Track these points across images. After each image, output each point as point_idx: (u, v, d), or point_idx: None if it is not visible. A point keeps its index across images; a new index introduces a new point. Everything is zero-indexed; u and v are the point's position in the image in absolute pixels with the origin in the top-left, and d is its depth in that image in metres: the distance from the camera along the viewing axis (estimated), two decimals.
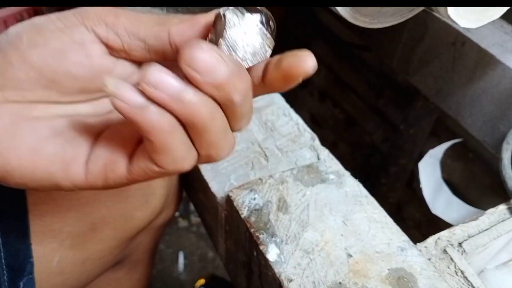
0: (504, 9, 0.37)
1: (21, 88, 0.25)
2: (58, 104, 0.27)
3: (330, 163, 0.42)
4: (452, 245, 0.37)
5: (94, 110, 0.28)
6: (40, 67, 0.25)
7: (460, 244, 0.37)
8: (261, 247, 0.35)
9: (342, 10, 0.38)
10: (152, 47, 0.26)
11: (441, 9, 0.34)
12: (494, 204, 0.40)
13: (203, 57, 0.21)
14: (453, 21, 0.35)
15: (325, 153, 0.43)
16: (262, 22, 0.23)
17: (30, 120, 0.26)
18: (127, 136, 0.26)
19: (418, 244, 0.37)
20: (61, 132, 0.26)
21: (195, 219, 1.19)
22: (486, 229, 0.38)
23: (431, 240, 0.37)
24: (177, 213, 1.21)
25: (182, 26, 0.25)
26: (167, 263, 1.11)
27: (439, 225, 0.67)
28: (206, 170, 0.43)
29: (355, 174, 0.41)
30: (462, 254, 0.36)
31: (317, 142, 0.44)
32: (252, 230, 0.36)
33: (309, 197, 0.39)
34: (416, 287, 0.33)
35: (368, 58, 0.94)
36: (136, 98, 0.21)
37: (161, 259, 1.11)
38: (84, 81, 0.26)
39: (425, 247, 0.37)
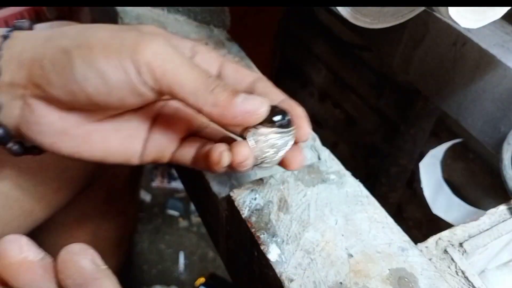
0: (505, 10, 0.37)
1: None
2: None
3: (331, 163, 0.42)
4: (453, 245, 0.37)
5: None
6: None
7: (461, 244, 0.37)
8: (262, 247, 0.35)
9: (342, 10, 0.38)
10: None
11: (442, 9, 0.34)
12: (494, 204, 0.40)
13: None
14: (454, 21, 0.35)
15: (325, 153, 0.43)
16: (280, 125, 0.30)
17: (94, 122, 0.32)
18: (177, 127, 0.34)
19: (419, 244, 0.37)
20: (119, 128, 0.33)
21: (195, 219, 1.19)
22: (487, 229, 0.38)
23: (432, 240, 0.37)
24: (177, 213, 1.21)
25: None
26: (167, 263, 1.11)
27: (439, 225, 0.67)
28: (207, 171, 0.43)
29: (355, 174, 0.41)
30: (463, 254, 0.36)
31: (318, 142, 0.44)
32: (253, 230, 0.36)
33: (310, 197, 0.39)
34: (417, 287, 0.33)
35: (369, 58, 0.94)
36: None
37: (161, 259, 1.11)
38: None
39: (426, 247, 0.37)
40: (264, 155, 0.31)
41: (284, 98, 0.33)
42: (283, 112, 0.29)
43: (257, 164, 0.31)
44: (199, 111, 0.28)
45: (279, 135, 0.30)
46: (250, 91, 0.32)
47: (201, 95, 0.28)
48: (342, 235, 0.36)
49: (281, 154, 0.31)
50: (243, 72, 0.33)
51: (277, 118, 0.29)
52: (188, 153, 0.34)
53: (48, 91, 0.29)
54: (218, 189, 0.42)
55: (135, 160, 0.34)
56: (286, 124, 0.30)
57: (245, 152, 0.30)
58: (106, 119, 0.32)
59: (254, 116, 0.28)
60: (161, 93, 0.29)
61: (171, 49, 0.28)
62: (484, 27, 0.38)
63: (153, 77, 0.28)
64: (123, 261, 0.78)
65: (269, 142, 0.30)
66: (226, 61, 0.34)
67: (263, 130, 0.29)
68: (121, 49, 0.28)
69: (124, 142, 0.33)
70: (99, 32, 0.29)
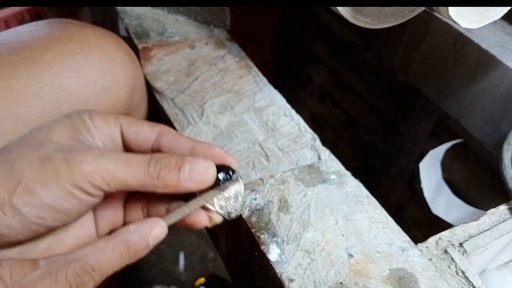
0: (505, 10, 0.37)
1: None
2: None
3: (331, 163, 0.42)
4: (453, 245, 0.37)
5: None
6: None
7: (461, 244, 0.37)
8: (262, 247, 0.35)
9: (342, 10, 0.38)
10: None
11: (442, 9, 0.34)
12: (495, 205, 0.40)
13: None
14: (454, 22, 0.35)
15: (326, 153, 0.43)
16: (225, 179, 0.33)
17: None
18: (115, 196, 0.35)
19: (419, 244, 0.37)
20: (70, 228, 0.33)
21: None
22: (487, 230, 0.38)
23: (432, 240, 0.37)
24: None
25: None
26: (167, 263, 1.11)
27: (439, 225, 0.67)
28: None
29: (355, 174, 0.41)
30: (463, 254, 0.36)
31: (318, 142, 0.44)
32: (253, 230, 0.36)
33: (310, 197, 0.39)
34: (417, 287, 0.33)
35: (369, 58, 0.94)
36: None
37: (161, 259, 1.11)
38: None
39: (426, 247, 0.37)
40: (228, 210, 0.33)
41: (198, 145, 0.34)
42: (224, 167, 0.32)
43: (228, 218, 0.34)
44: (155, 193, 0.31)
45: (229, 188, 0.33)
46: (193, 154, 0.33)
47: (149, 184, 0.30)
48: (342, 235, 0.36)
49: (240, 199, 0.34)
50: (181, 139, 0.34)
51: (221, 176, 0.32)
52: (138, 216, 0.35)
53: None
54: None
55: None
56: (231, 176, 0.33)
57: (218, 219, 0.34)
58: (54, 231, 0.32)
59: (205, 183, 0.31)
60: (111, 192, 0.30)
61: (102, 158, 0.29)
62: (484, 27, 0.38)
63: (99, 187, 0.29)
64: None
65: (225, 198, 0.33)
66: (161, 132, 0.34)
67: (213, 193, 0.32)
68: (59, 179, 0.28)
69: (79, 236, 0.33)
70: (26, 169, 0.29)
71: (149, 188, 0.30)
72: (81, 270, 0.27)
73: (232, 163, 0.34)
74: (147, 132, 0.33)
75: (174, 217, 0.31)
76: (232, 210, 0.33)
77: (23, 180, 0.28)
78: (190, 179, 0.30)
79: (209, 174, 0.31)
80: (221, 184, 0.32)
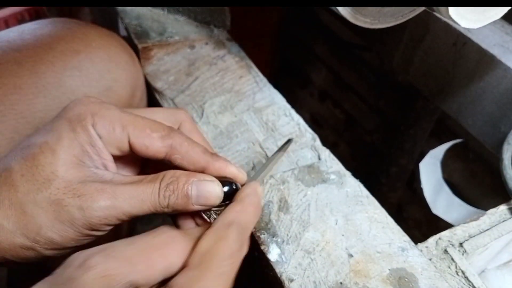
0: (505, 10, 0.37)
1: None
2: None
3: (331, 163, 0.42)
4: (453, 245, 0.37)
5: None
6: None
7: (461, 244, 0.37)
8: (262, 247, 0.35)
9: (342, 10, 0.38)
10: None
11: (442, 9, 0.34)
12: (494, 205, 0.40)
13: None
14: (454, 22, 0.35)
15: (326, 153, 0.43)
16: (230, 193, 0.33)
17: None
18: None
19: (419, 244, 0.37)
20: None
21: None
22: (487, 229, 0.38)
23: (432, 240, 0.37)
24: None
25: None
26: None
27: (439, 225, 0.67)
28: None
29: (355, 174, 0.41)
30: (463, 254, 0.36)
31: (318, 142, 0.44)
32: (253, 230, 0.36)
33: (310, 197, 0.39)
34: (417, 287, 0.33)
35: (369, 58, 0.94)
36: None
37: None
38: None
39: (426, 247, 0.37)
40: None
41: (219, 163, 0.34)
42: (229, 183, 0.33)
43: None
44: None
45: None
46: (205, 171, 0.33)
47: (160, 211, 0.30)
48: (342, 235, 0.36)
49: None
50: (194, 156, 0.33)
51: (226, 189, 0.32)
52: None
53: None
54: None
55: None
56: (234, 189, 0.33)
57: None
58: None
59: (213, 200, 0.32)
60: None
61: (116, 200, 0.29)
62: (484, 27, 0.38)
63: (113, 225, 0.30)
64: None
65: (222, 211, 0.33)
66: (174, 146, 0.33)
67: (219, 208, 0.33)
68: (75, 226, 0.29)
69: None
70: (41, 218, 0.29)
71: (159, 213, 0.30)
72: (240, 230, 0.30)
73: (242, 181, 0.34)
74: (158, 147, 0.32)
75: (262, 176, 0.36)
76: None
77: (41, 230, 0.28)
78: (197, 203, 0.31)
79: (217, 196, 0.32)
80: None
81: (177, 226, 0.34)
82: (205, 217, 0.32)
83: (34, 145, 0.30)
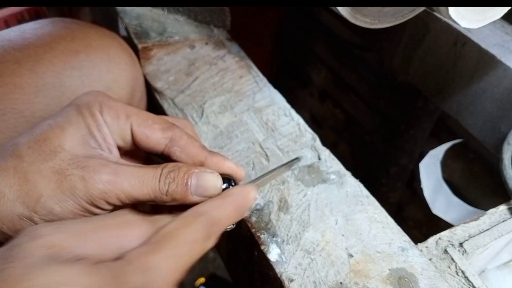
0: (505, 10, 0.37)
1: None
2: None
3: (331, 163, 0.42)
4: (453, 245, 0.37)
5: None
6: None
7: (461, 244, 0.37)
8: (262, 247, 0.35)
9: (342, 10, 0.38)
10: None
11: (442, 9, 0.34)
12: (494, 205, 0.40)
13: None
14: (454, 21, 0.35)
15: (326, 153, 0.43)
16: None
17: None
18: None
19: (419, 244, 0.37)
20: None
21: None
22: (487, 229, 0.38)
23: (432, 240, 0.37)
24: None
25: None
26: None
27: (439, 225, 0.67)
28: None
29: (355, 174, 0.41)
30: (463, 254, 0.36)
31: (318, 142, 0.44)
32: (253, 230, 0.36)
33: (310, 197, 0.39)
34: (417, 287, 0.33)
35: (369, 58, 0.94)
36: None
37: None
38: None
39: (426, 247, 0.37)
40: None
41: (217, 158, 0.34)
42: (227, 179, 0.33)
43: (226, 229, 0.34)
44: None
45: None
46: (203, 165, 0.34)
47: (159, 199, 0.31)
48: (342, 235, 0.36)
49: None
50: (193, 149, 0.34)
51: (224, 185, 0.33)
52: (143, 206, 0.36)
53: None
54: None
55: None
56: (233, 185, 0.33)
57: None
58: None
59: (211, 191, 0.32)
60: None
61: (118, 177, 0.30)
62: (484, 27, 0.38)
63: (112, 204, 0.30)
64: None
65: None
66: (174, 138, 0.34)
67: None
68: (76, 197, 0.29)
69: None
70: (43, 186, 0.29)
71: (158, 201, 0.31)
72: (210, 222, 0.30)
73: (241, 177, 0.34)
74: (158, 137, 0.33)
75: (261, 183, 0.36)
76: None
77: (42, 198, 0.28)
78: (197, 194, 0.31)
79: (216, 187, 0.32)
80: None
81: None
82: None
83: (44, 124, 0.31)
